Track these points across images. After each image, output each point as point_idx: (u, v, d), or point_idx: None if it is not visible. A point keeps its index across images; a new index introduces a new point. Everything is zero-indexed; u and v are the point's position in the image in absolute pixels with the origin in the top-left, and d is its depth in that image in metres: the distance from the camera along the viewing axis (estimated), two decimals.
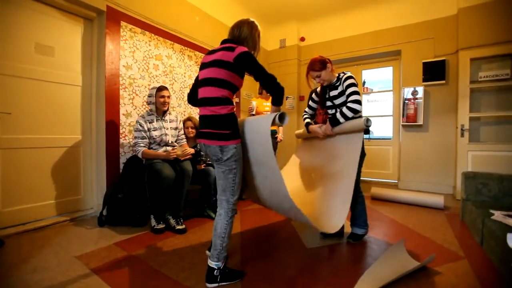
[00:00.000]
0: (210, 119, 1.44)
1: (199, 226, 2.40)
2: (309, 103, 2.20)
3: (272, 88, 1.41)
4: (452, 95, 3.61)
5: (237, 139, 1.45)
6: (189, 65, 3.48)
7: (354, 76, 1.95)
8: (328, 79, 1.98)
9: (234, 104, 1.50)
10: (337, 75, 2.02)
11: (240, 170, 1.49)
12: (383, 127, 4.53)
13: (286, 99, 4.88)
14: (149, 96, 2.41)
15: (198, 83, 1.55)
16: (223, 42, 1.54)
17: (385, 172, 4.29)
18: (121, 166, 2.62)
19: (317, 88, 2.16)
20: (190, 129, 2.83)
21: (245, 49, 1.42)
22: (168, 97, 2.49)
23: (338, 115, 1.87)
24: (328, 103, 2.05)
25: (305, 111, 2.22)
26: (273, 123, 1.45)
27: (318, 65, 1.94)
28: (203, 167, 2.72)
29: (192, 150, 2.56)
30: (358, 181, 2.03)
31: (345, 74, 1.97)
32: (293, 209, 1.47)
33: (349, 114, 1.82)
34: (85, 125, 2.60)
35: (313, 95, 2.18)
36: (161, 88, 2.42)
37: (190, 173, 2.37)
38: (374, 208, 3.06)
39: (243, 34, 1.50)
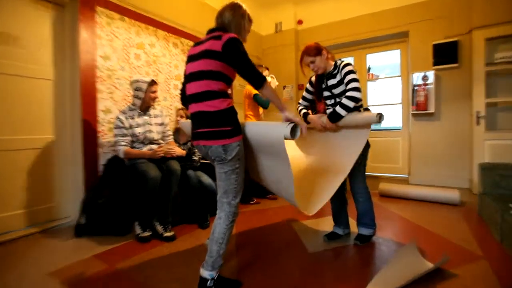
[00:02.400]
0: (208, 116, 1.43)
1: (190, 233, 2.38)
2: (304, 94, 2.20)
3: (253, 77, 1.41)
4: (465, 80, 3.59)
5: (240, 134, 1.46)
6: (175, 54, 3.43)
7: (351, 63, 1.96)
8: (323, 66, 1.99)
9: (231, 96, 1.48)
10: (333, 63, 2.01)
11: (243, 168, 1.49)
12: (391, 116, 4.52)
13: (284, 88, 4.85)
14: (136, 90, 2.38)
15: (186, 78, 1.55)
16: (209, 31, 1.54)
17: (394, 166, 4.29)
18: (101, 168, 2.58)
19: (312, 77, 2.16)
20: (179, 118, 2.85)
21: (232, 35, 1.42)
22: (157, 92, 2.49)
23: (338, 108, 1.86)
24: (326, 93, 2.05)
25: (299, 103, 2.22)
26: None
27: (313, 50, 1.95)
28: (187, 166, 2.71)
29: (181, 152, 2.53)
30: (363, 176, 2.03)
31: (343, 61, 1.98)
32: (286, 186, 1.53)
33: (351, 104, 1.82)
34: (58, 123, 2.55)
35: (308, 86, 2.18)
36: (152, 83, 2.42)
37: (179, 172, 2.36)
38: (382, 205, 3.06)
39: (226, 19, 1.51)
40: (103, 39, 2.66)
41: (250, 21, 1.58)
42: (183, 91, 1.67)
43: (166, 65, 3.34)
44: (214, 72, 1.42)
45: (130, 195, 2.32)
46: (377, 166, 4.39)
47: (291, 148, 2.23)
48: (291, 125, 1.38)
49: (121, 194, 2.38)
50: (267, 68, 3.46)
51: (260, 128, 1.51)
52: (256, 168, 1.68)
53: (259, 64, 4.08)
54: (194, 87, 1.47)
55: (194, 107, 1.49)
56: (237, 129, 1.45)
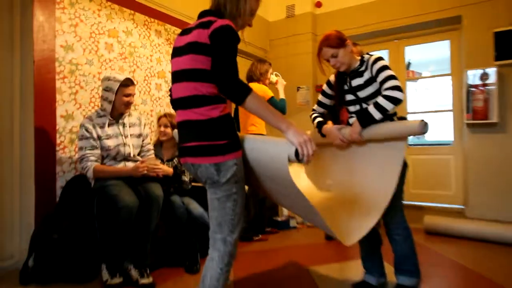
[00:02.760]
0: (196, 126, 1.46)
1: (174, 279, 2.38)
2: (320, 98, 2.23)
3: (229, 84, 1.37)
4: None
5: (237, 150, 1.47)
6: (158, 44, 3.50)
7: (383, 58, 1.99)
8: (347, 62, 2.02)
9: (226, 101, 1.52)
10: (359, 58, 2.06)
11: (242, 194, 1.50)
12: (438, 127, 4.57)
13: (298, 90, 4.93)
14: (105, 90, 2.44)
15: (172, 77, 1.59)
16: (200, 15, 1.57)
17: (444, 194, 4.29)
18: (59, 192, 2.61)
19: (331, 76, 2.21)
20: (163, 128, 2.87)
21: (225, 22, 1.42)
22: (133, 95, 2.53)
23: (372, 109, 1.87)
24: (350, 97, 2.08)
25: (313, 110, 2.26)
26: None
27: (335, 40, 1.98)
28: (172, 190, 2.74)
29: (168, 170, 2.56)
30: (400, 206, 2.04)
31: (372, 55, 2.02)
32: (311, 213, 1.55)
33: (389, 106, 1.83)
34: (1, 133, 2.60)
35: (325, 87, 2.21)
36: (126, 83, 2.46)
37: (161, 199, 2.37)
38: (429, 247, 3.05)
39: (221, 5, 1.52)
40: (64, 24, 2.73)
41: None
42: (172, 92, 1.71)
43: (146, 58, 3.39)
44: (202, 71, 1.44)
45: (97, 228, 2.29)
46: (420, 194, 4.39)
47: (303, 170, 2.26)
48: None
49: (84, 227, 2.38)
50: (271, 64, 3.54)
51: (259, 144, 1.52)
52: (268, 191, 1.72)
53: (261, 58, 4.16)
54: (180, 90, 1.51)
55: (181, 115, 1.52)
56: (234, 143, 1.46)
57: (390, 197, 1.85)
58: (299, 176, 2.22)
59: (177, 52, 1.55)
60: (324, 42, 2.01)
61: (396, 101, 1.82)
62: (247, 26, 1.63)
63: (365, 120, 1.89)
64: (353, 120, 2.06)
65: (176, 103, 1.55)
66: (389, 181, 1.89)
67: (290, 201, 1.65)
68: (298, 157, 1.36)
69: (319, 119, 2.18)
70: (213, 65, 1.40)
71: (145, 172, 2.38)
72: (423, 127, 1.77)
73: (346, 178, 2.09)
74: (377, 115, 1.86)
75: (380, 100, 1.84)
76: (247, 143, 1.53)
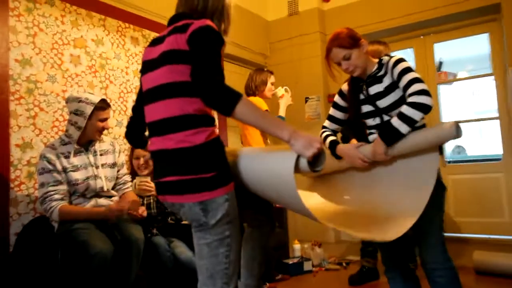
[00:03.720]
0: (176, 156, 1.46)
1: None
2: (331, 112, 2.23)
3: (212, 90, 1.35)
4: None
5: (229, 183, 1.48)
6: (134, 54, 3.52)
7: (405, 59, 2.00)
8: (362, 65, 2.02)
9: (216, 122, 1.51)
10: (377, 61, 2.06)
11: (238, 237, 1.52)
12: (482, 139, 4.52)
13: (306, 101, 4.92)
14: (75, 114, 2.44)
15: (145, 97, 1.60)
16: (172, 19, 1.59)
17: (497, 222, 4.20)
18: (13, 240, 2.55)
19: (344, 85, 2.21)
20: (142, 161, 2.83)
21: (204, 22, 1.46)
22: (108, 119, 2.55)
23: (395, 121, 1.84)
24: (367, 108, 2.07)
25: (324, 127, 2.26)
26: (296, 168, 1.43)
27: (346, 39, 1.99)
28: (155, 232, 2.74)
29: (141, 211, 2.55)
30: (440, 239, 2.00)
31: (392, 57, 2.02)
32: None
33: (417, 115, 1.80)
34: None
35: (337, 99, 2.22)
36: (102, 106, 2.48)
37: (141, 243, 2.35)
38: None
39: (201, 3, 1.58)
40: (20, 35, 2.74)
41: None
42: (133, 120, 1.75)
43: (121, 71, 3.39)
44: (184, 84, 1.45)
45: (61, 282, 2.26)
46: (465, 223, 4.30)
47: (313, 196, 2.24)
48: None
49: (46, 283, 2.33)
50: (272, 72, 3.52)
51: (257, 161, 1.55)
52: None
53: (260, 67, 4.16)
54: (157, 111, 1.52)
55: (156, 143, 1.53)
56: (224, 175, 1.47)
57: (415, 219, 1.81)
58: (312, 196, 2.23)
59: (148, 66, 1.57)
60: (333, 41, 2.02)
61: (424, 108, 1.79)
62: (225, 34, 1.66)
63: (389, 136, 1.86)
64: (373, 137, 2.04)
65: (150, 128, 1.57)
66: (416, 202, 1.85)
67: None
68: (313, 166, 1.38)
69: (332, 138, 2.16)
70: (193, 72, 1.39)
71: (125, 215, 2.37)
72: (455, 130, 1.75)
73: (365, 197, 2.09)
74: (403, 128, 1.82)
75: (405, 109, 1.82)
76: (244, 160, 1.56)
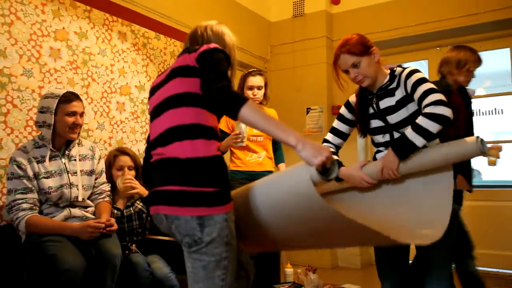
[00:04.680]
0: (179, 165, 1.50)
1: None
2: (335, 124, 2.24)
3: (219, 92, 1.47)
4: None
5: (229, 202, 1.52)
6: (121, 51, 3.52)
7: (420, 70, 2.01)
8: (372, 75, 2.03)
9: (219, 139, 1.63)
10: (389, 71, 2.08)
11: (234, 260, 1.53)
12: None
13: (307, 112, 4.94)
14: (41, 112, 2.42)
15: (151, 116, 1.72)
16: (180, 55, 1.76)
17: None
18: None
19: (352, 97, 2.22)
20: (127, 172, 2.79)
21: (214, 45, 1.62)
22: (82, 114, 2.51)
23: (410, 133, 1.83)
24: (376, 123, 2.08)
25: (325, 140, 2.26)
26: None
27: (357, 46, 2.01)
28: (134, 248, 2.72)
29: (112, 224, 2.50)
30: (447, 269, 2.02)
31: (405, 68, 2.04)
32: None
33: (433, 126, 1.78)
34: None
35: (344, 111, 2.23)
36: (69, 98, 2.44)
37: (118, 260, 2.33)
38: None
39: (206, 37, 1.79)
40: None
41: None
42: (147, 160, 1.76)
43: (106, 69, 3.39)
44: (193, 95, 1.55)
45: None
46: (481, 255, 4.28)
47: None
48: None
49: None
50: (259, 74, 3.39)
51: (272, 186, 1.58)
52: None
53: (260, 71, 4.16)
54: (162, 123, 1.59)
55: (159, 152, 1.58)
56: (225, 193, 1.51)
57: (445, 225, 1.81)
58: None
59: (157, 87, 1.71)
60: (342, 47, 2.03)
61: (442, 120, 1.78)
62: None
63: (403, 149, 1.85)
64: (380, 155, 2.05)
65: (155, 142, 1.62)
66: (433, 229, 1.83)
67: (324, 234, 1.69)
68: (325, 174, 1.41)
69: (334, 157, 2.15)
70: (202, 82, 1.50)
71: (101, 231, 2.34)
72: (480, 145, 1.74)
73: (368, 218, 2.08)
74: (418, 141, 1.80)
75: (421, 120, 1.81)
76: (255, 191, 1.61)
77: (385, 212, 2.04)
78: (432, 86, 1.89)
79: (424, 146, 1.85)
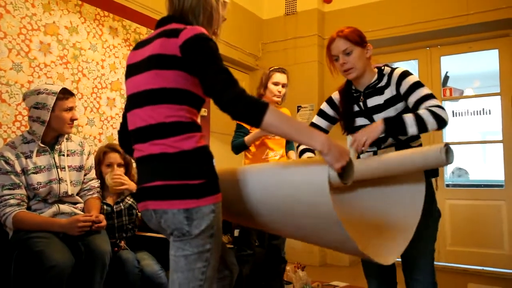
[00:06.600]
0: (163, 161, 1.50)
1: None
2: (315, 120, 2.25)
3: (234, 101, 1.42)
4: None
5: (217, 193, 1.51)
6: (112, 46, 3.51)
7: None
8: (361, 68, 2.03)
9: (201, 129, 1.57)
10: (377, 70, 2.09)
11: (217, 254, 1.53)
12: (484, 163, 4.58)
13: (298, 110, 4.95)
14: (35, 108, 2.39)
15: (127, 103, 1.66)
16: (160, 22, 1.64)
17: (495, 253, 4.25)
18: None
19: (335, 93, 2.23)
20: (116, 169, 2.79)
21: (198, 30, 1.50)
22: (74, 109, 2.52)
23: (408, 117, 1.82)
24: (361, 121, 2.08)
25: None
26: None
27: (354, 35, 2.01)
28: (123, 245, 2.72)
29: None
30: (430, 264, 2.02)
31: (395, 68, 2.05)
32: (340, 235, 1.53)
33: (431, 124, 1.79)
34: None
35: (325, 107, 2.23)
36: (65, 95, 2.44)
37: (107, 257, 2.32)
38: None
39: (186, 3, 1.61)
40: None
41: (225, 3, 1.70)
42: (123, 126, 1.73)
43: (97, 64, 3.36)
44: (172, 91, 1.50)
45: None
46: (461, 253, 4.35)
47: None
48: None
49: None
50: (278, 70, 3.28)
51: (270, 177, 1.57)
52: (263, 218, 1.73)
53: (285, 69, 4.05)
54: (141, 117, 1.55)
55: (141, 149, 1.56)
56: (212, 184, 1.50)
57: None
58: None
59: (133, 70, 1.60)
60: (340, 32, 2.02)
61: (441, 122, 1.80)
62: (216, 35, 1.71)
63: (394, 126, 1.83)
64: (364, 155, 2.02)
65: (134, 135, 1.58)
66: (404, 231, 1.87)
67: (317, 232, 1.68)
68: (344, 175, 1.43)
69: (309, 154, 2.15)
70: (207, 89, 1.46)
71: (87, 228, 2.33)
72: (444, 156, 1.59)
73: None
74: (412, 128, 1.80)
75: (423, 112, 1.81)
76: (251, 176, 1.59)
77: (359, 218, 2.04)
78: (430, 91, 1.91)
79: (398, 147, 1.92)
